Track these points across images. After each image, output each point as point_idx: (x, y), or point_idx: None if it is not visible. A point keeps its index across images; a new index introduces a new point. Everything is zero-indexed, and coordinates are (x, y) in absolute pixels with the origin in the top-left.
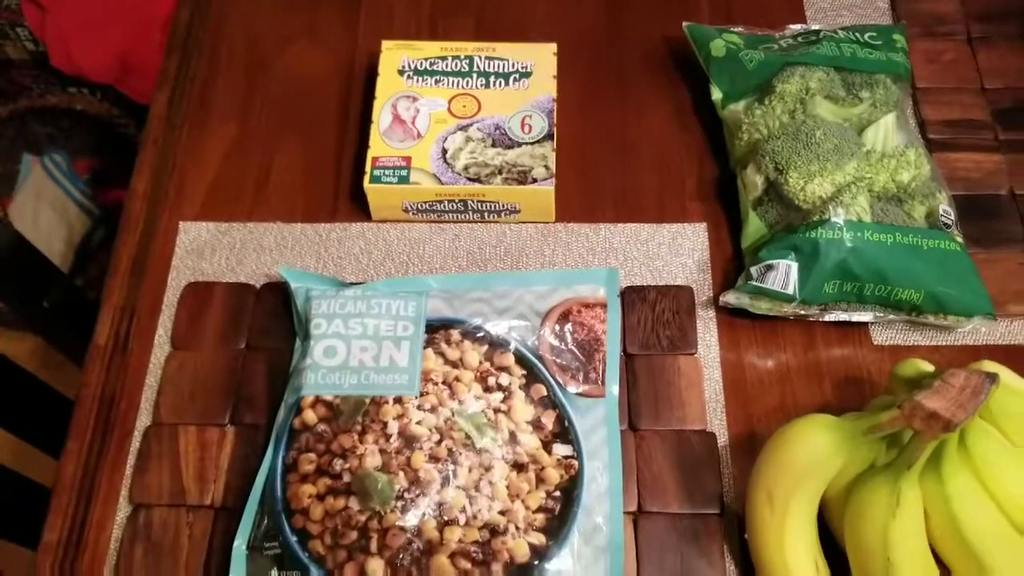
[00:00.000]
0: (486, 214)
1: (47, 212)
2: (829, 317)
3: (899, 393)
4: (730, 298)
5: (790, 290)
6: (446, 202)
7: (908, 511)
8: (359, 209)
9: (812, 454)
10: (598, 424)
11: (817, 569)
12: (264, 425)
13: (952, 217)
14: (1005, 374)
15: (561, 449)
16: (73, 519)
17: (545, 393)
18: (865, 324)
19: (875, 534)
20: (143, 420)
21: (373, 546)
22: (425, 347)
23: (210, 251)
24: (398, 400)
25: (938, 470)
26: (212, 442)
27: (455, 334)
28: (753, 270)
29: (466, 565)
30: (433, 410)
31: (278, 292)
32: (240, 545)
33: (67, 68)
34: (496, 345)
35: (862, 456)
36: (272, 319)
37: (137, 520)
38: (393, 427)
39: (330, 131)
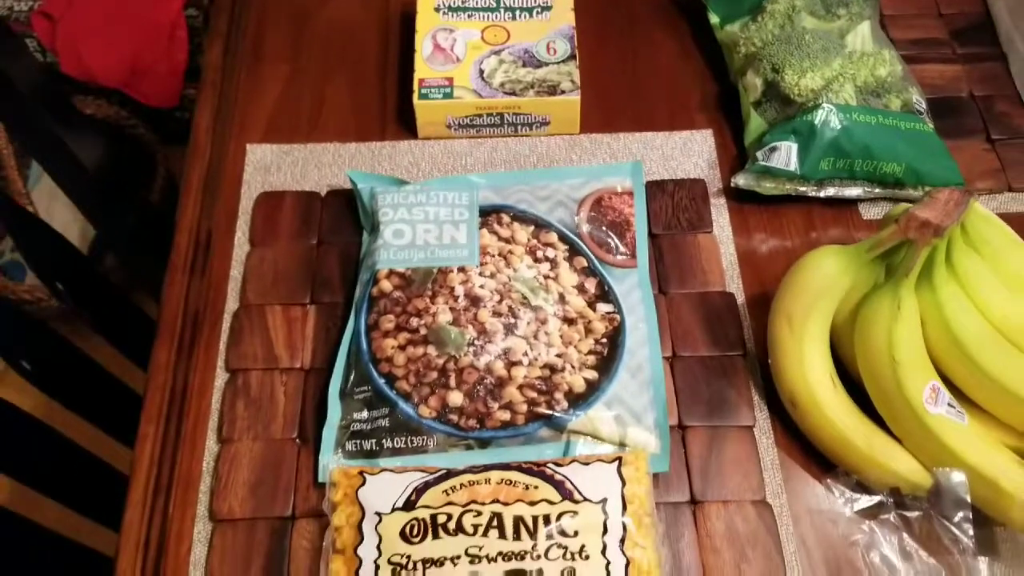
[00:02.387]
0: (519, 127)
1: (61, 210)
2: (824, 193)
3: None
4: (740, 179)
5: (792, 167)
6: (485, 116)
7: (908, 316)
8: (405, 130)
9: (824, 276)
10: (633, 288)
11: (833, 383)
12: (341, 303)
13: (924, 107)
14: (979, 205)
15: (604, 307)
16: (173, 387)
17: (586, 264)
18: (855, 203)
19: (881, 338)
20: (231, 305)
21: (452, 382)
22: (480, 228)
23: (276, 168)
24: (461, 269)
25: (930, 281)
26: (296, 318)
27: (505, 217)
28: (759, 153)
29: (533, 395)
30: (492, 276)
31: (342, 198)
32: (334, 392)
33: (77, 73)
34: (541, 226)
35: (865, 278)
36: (338, 220)
37: (236, 382)
38: (459, 290)
39: (373, 67)
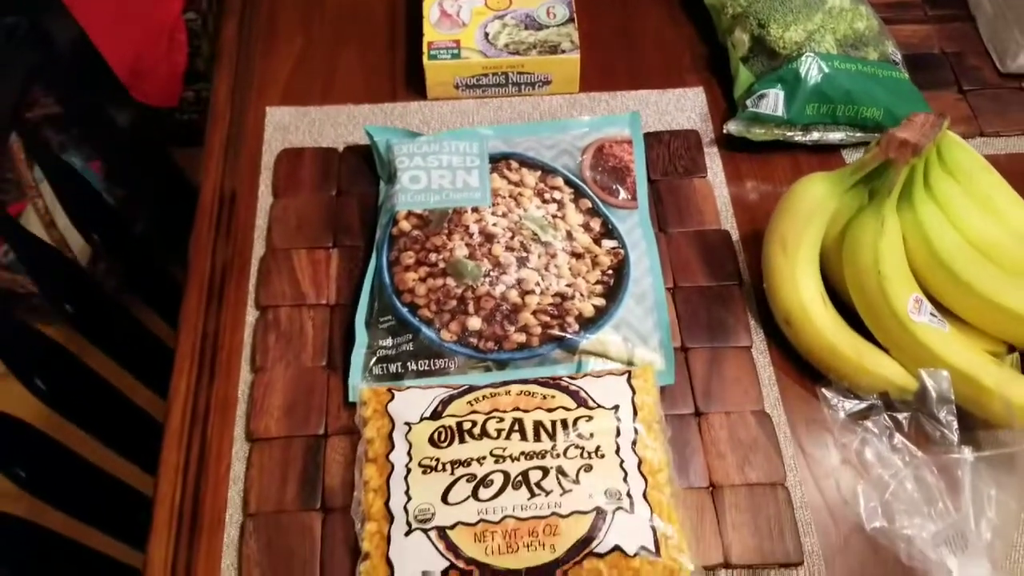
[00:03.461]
0: (523, 87)
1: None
2: (810, 137)
3: None
4: (731, 126)
5: (779, 112)
6: (491, 75)
7: (891, 232)
8: (415, 92)
9: (813, 199)
10: (634, 227)
11: (824, 301)
12: (362, 247)
13: (899, 59)
14: (953, 134)
15: (608, 243)
16: (204, 329)
17: (590, 205)
18: (838, 148)
19: (867, 253)
20: (258, 251)
21: (470, 308)
22: (491, 173)
23: (294, 128)
24: (475, 210)
25: (910, 201)
26: (320, 260)
27: (513, 163)
28: (749, 101)
29: (546, 319)
30: (504, 215)
31: (358, 154)
32: (360, 322)
33: None
34: (547, 171)
35: (849, 203)
36: (356, 173)
37: (266, 317)
38: (474, 228)
39: (382, 35)
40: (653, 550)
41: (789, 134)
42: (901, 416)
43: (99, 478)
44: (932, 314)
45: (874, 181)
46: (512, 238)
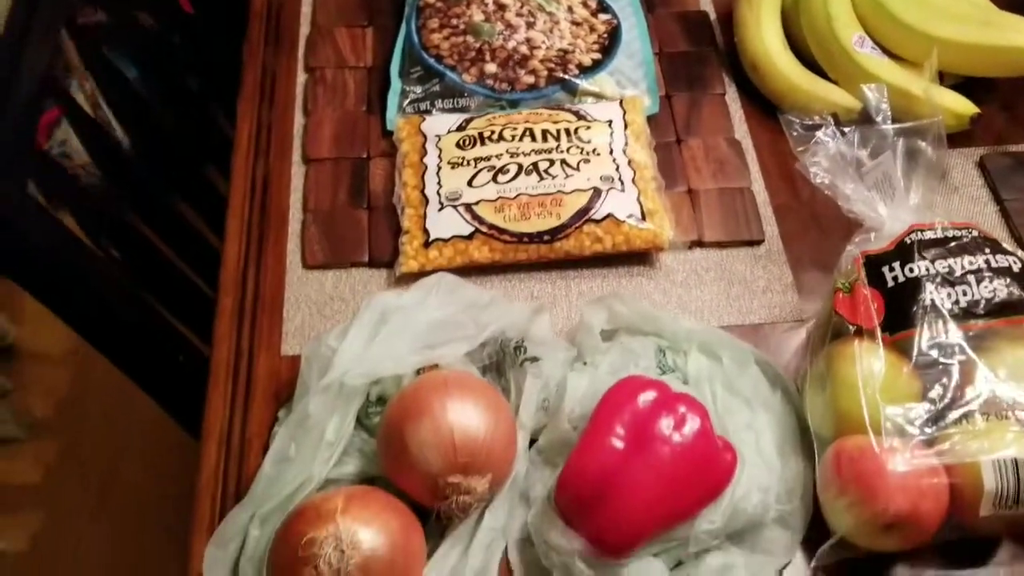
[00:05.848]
0: None
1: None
2: None
3: None
4: None
5: None
6: None
7: None
8: None
9: None
10: (626, 5)
11: (784, 48)
12: (392, 26)
13: None
14: None
15: (603, 15)
16: (262, 84)
17: None
18: None
19: (819, 1)
20: (304, 31)
21: (487, 57)
22: None
23: None
24: None
25: None
26: (358, 34)
27: None
28: None
29: (551, 66)
30: None
31: None
32: (394, 73)
33: None
34: None
35: None
36: None
37: (314, 76)
38: (488, 0)
39: None
40: (640, 217)
41: None
42: (847, 129)
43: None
44: (872, 47)
45: None
46: (521, 7)
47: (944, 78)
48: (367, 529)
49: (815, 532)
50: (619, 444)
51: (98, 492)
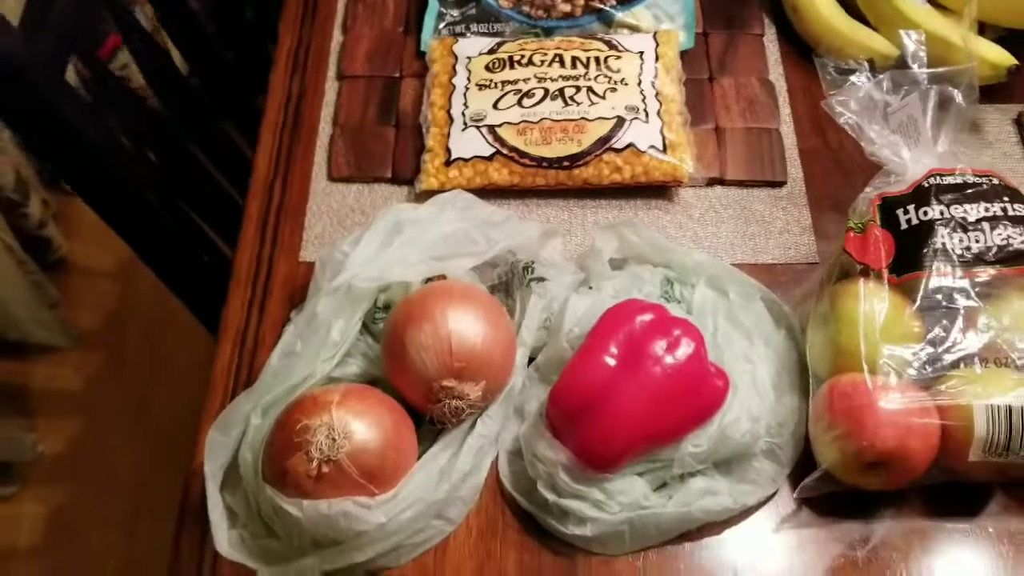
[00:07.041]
0: None
1: None
2: None
3: None
4: None
5: None
6: None
7: None
8: None
9: None
10: None
11: None
12: None
13: None
14: None
15: None
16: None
17: None
18: None
19: None
20: None
21: None
22: None
23: None
24: None
25: None
26: None
27: None
28: None
29: None
30: None
31: None
32: None
33: None
34: None
35: None
36: None
37: None
38: None
39: None
40: (661, 149)
41: None
42: (881, 76)
43: None
44: None
45: None
46: None
47: (987, 31)
48: (360, 422)
49: (804, 470)
50: (611, 362)
51: (135, 409)
